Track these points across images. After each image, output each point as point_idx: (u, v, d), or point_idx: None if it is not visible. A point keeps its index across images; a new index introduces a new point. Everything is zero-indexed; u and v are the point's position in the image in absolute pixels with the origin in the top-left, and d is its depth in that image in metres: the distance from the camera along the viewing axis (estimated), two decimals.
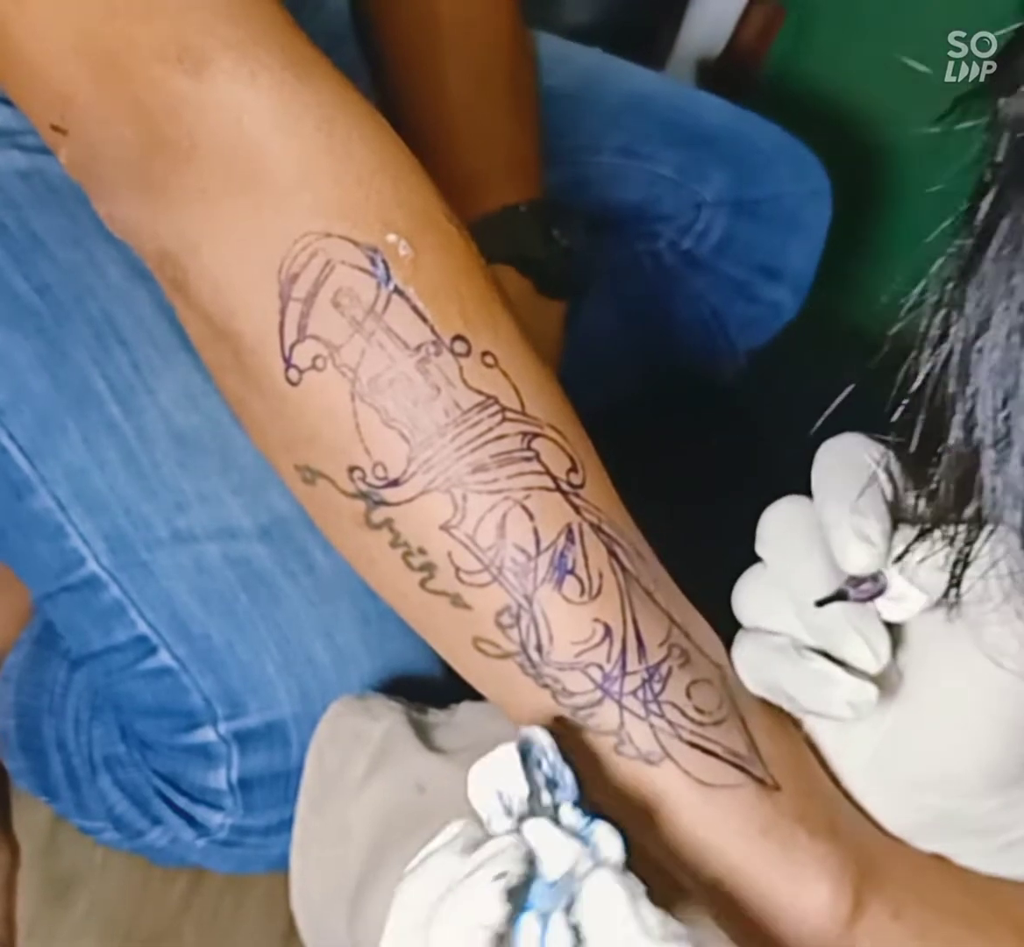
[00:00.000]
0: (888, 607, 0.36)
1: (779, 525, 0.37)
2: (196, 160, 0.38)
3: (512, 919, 0.28)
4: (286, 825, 0.58)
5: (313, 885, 0.51)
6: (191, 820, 0.60)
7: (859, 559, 0.34)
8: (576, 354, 0.75)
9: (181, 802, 0.61)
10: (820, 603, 0.36)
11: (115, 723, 0.65)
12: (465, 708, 0.51)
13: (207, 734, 0.58)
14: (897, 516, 0.36)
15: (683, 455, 0.87)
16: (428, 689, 0.56)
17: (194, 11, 0.38)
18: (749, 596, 0.39)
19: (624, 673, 0.37)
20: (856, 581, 0.36)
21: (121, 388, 0.59)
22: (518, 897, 0.28)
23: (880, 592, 0.36)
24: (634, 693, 0.37)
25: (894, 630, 0.37)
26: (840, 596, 0.36)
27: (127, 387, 0.59)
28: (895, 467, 0.36)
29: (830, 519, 0.35)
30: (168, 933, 0.80)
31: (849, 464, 0.36)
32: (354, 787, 0.49)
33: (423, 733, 0.50)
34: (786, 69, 1.24)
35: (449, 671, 0.42)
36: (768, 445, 0.95)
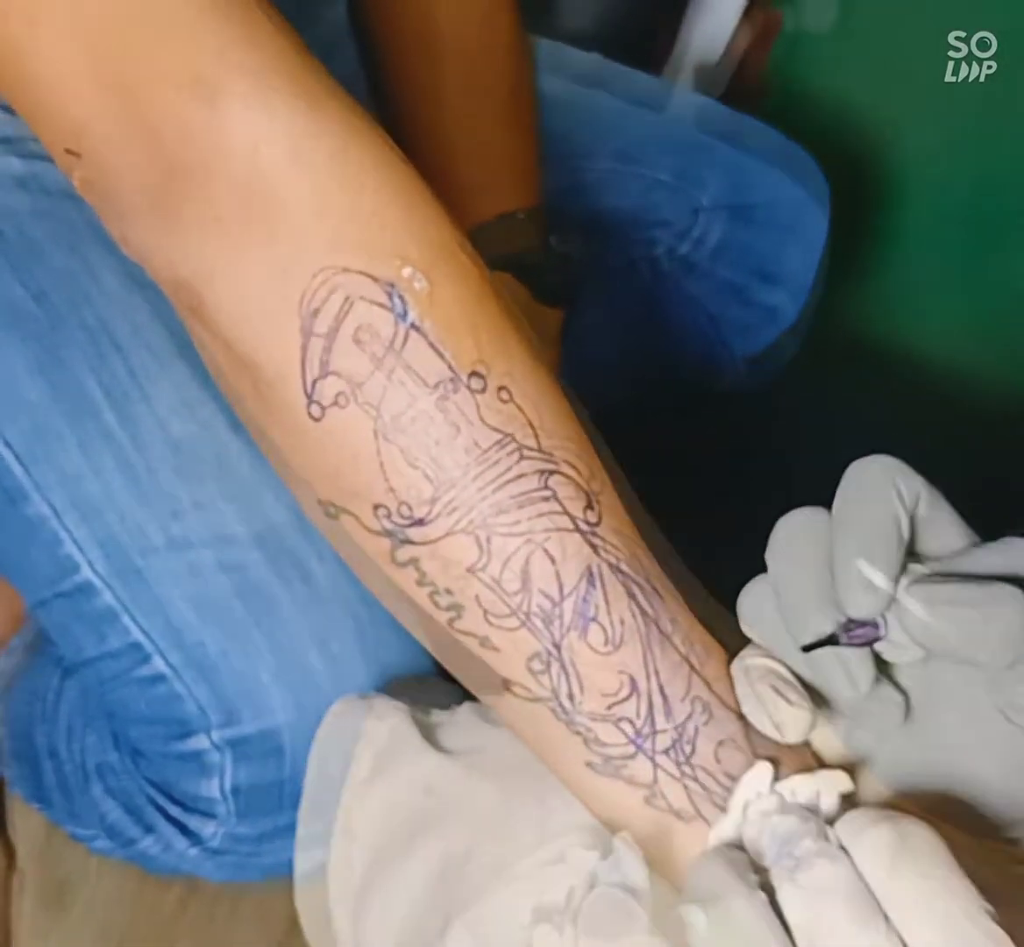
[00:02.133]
0: (887, 649, 0.36)
1: (790, 537, 0.37)
2: (210, 188, 0.38)
3: None
4: (279, 833, 0.58)
5: (316, 886, 0.51)
6: (184, 828, 0.60)
7: (860, 606, 0.35)
8: (574, 360, 0.75)
9: (174, 810, 0.61)
10: (807, 648, 0.36)
11: (108, 731, 0.65)
12: (466, 709, 0.51)
13: (201, 742, 0.58)
14: (910, 560, 0.36)
15: (681, 461, 0.87)
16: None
17: (208, 38, 0.38)
18: (749, 600, 0.39)
19: (654, 731, 0.37)
20: (851, 625, 0.35)
21: (117, 395, 0.59)
22: None
23: (875, 639, 0.36)
24: (666, 752, 0.37)
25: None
26: (831, 641, 0.36)
27: (123, 394, 0.59)
28: (924, 503, 0.36)
29: (841, 554, 0.35)
30: (163, 939, 0.80)
31: (876, 497, 0.36)
32: (358, 788, 0.49)
33: (428, 733, 0.50)
34: (784, 74, 1.25)
35: (443, 678, 0.43)
36: (768, 450, 0.95)
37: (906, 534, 0.35)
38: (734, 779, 0.37)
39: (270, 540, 0.59)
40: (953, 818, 0.38)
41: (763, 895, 0.31)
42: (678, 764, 0.37)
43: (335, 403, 0.37)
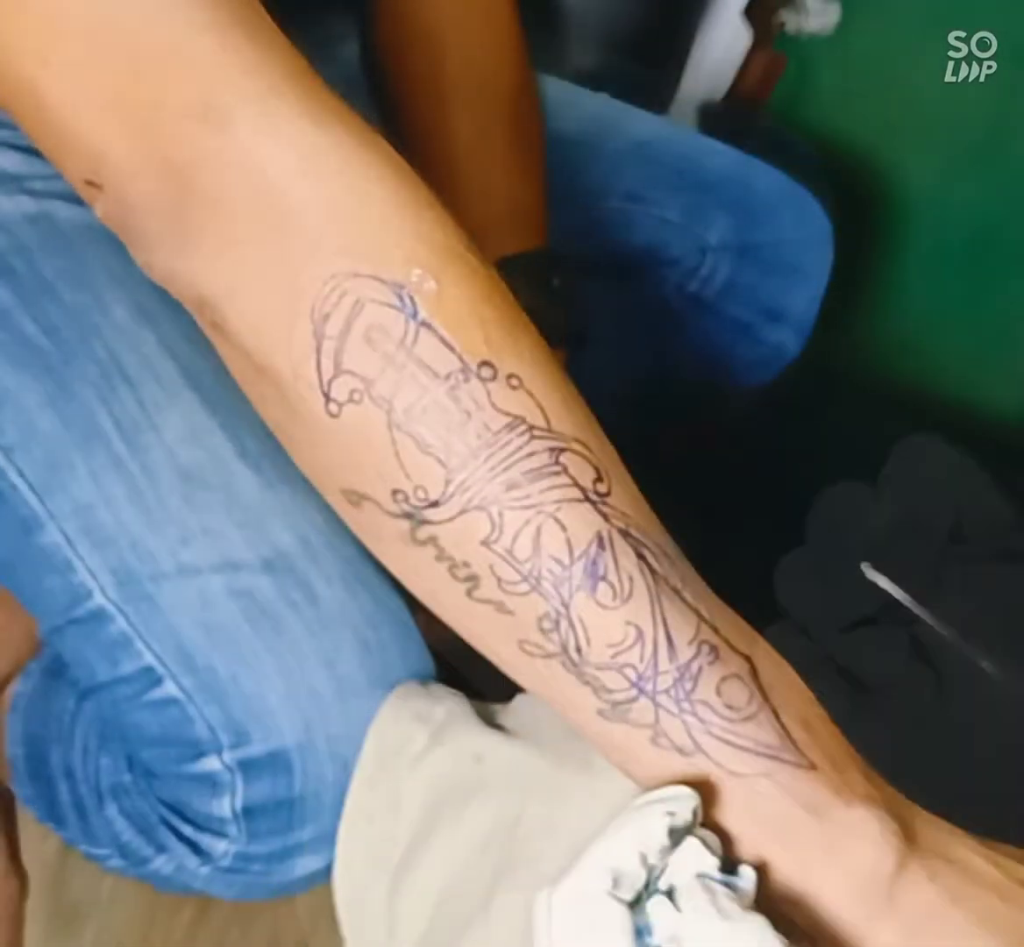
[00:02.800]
0: None
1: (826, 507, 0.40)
2: (224, 210, 0.40)
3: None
4: (289, 852, 0.59)
5: (357, 859, 0.52)
6: (196, 848, 0.61)
7: None
8: (582, 395, 0.76)
9: (186, 830, 0.61)
10: None
11: (122, 753, 0.66)
12: (521, 698, 0.52)
13: (212, 763, 0.59)
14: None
15: (688, 494, 0.88)
16: None
17: (216, 67, 0.40)
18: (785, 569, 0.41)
19: (656, 672, 0.39)
20: None
21: (127, 426, 0.61)
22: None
23: None
24: (667, 691, 0.39)
25: None
26: None
27: (133, 425, 0.61)
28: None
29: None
30: None
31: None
32: (411, 761, 0.50)
33: (483, 714, 0.52)
34: (787, 115, 1.26)
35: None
36: (774, 482, 0.96)
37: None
38: (734, 709, 0.39)
39: (278, 565, 0.60)
40: None
41: None
42: (677, 701, 0.39)
43: (350, 400, 0.39)
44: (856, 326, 1.28)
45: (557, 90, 0.85)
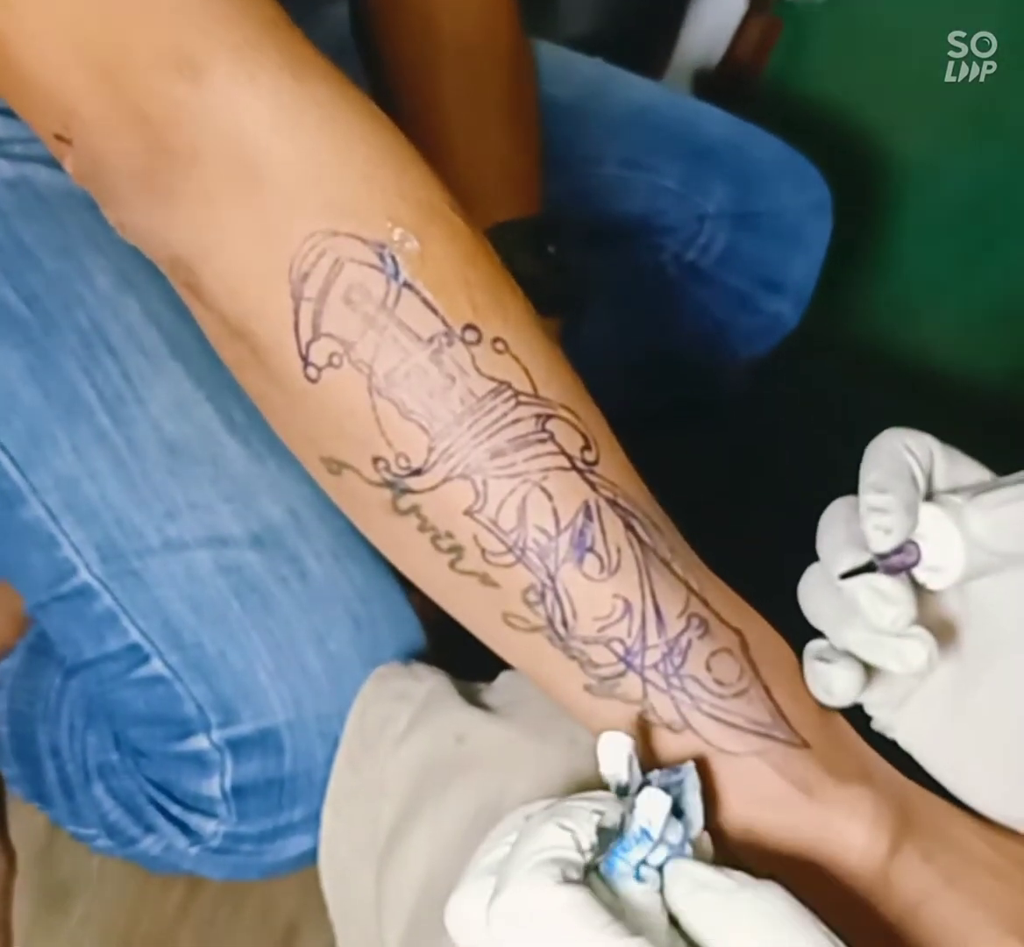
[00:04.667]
0: (929, 577, 0.37)
1: (827, 515, 0.39)
2: (200, 166, 0.38)
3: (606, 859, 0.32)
4: (280, 832, 0.59)
5: (342, 842, 0.52)
6: (184, 828, 0.60)
7: (876, 533, 0.36)
8: (578, 367, 0.75)
9: (174, 810, 0.61)
10: (843, 576, 0.37)
11: (109, 731, 0.65)
12: (505, 676, 0.51)
13: (200, 742, 0.58)
14: (932, 490, 0.38)
15: (686, 465, 0.87)
16: None
17: (189, 16, 0.38)
18: (802, 583, 0.40)
19: (645, 647, 0.38)
20: (882, 555, 0.37)
21: (111, 398, 0.59)
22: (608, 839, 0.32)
23: (910, 565, 0.37)
24: (655, 666, 0.38)
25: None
26: (868, 568, 0.37)
27: (117, 396, 0.59)
28: (940, 455, 0.38)
29: (860, 499, 0.37)
30: (165, 940, 0.80)
31: (886, 452, 0.38)
32: (394, 742, 0.50)
33: (466, 693, 0.51)
34: (783, 80, 1.25)
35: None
36: (772, 454, 0.96)
37: (920, 472, 0.37)
38: (724, 685, 0.38)
39: (267, 540, 0.59)
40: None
41: None
42: (666, 676, 0.38)
43: (329, 363, 0.38)
44: (852, 294, 1.27)
45: (551, 55, 0.84)
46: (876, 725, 0.41)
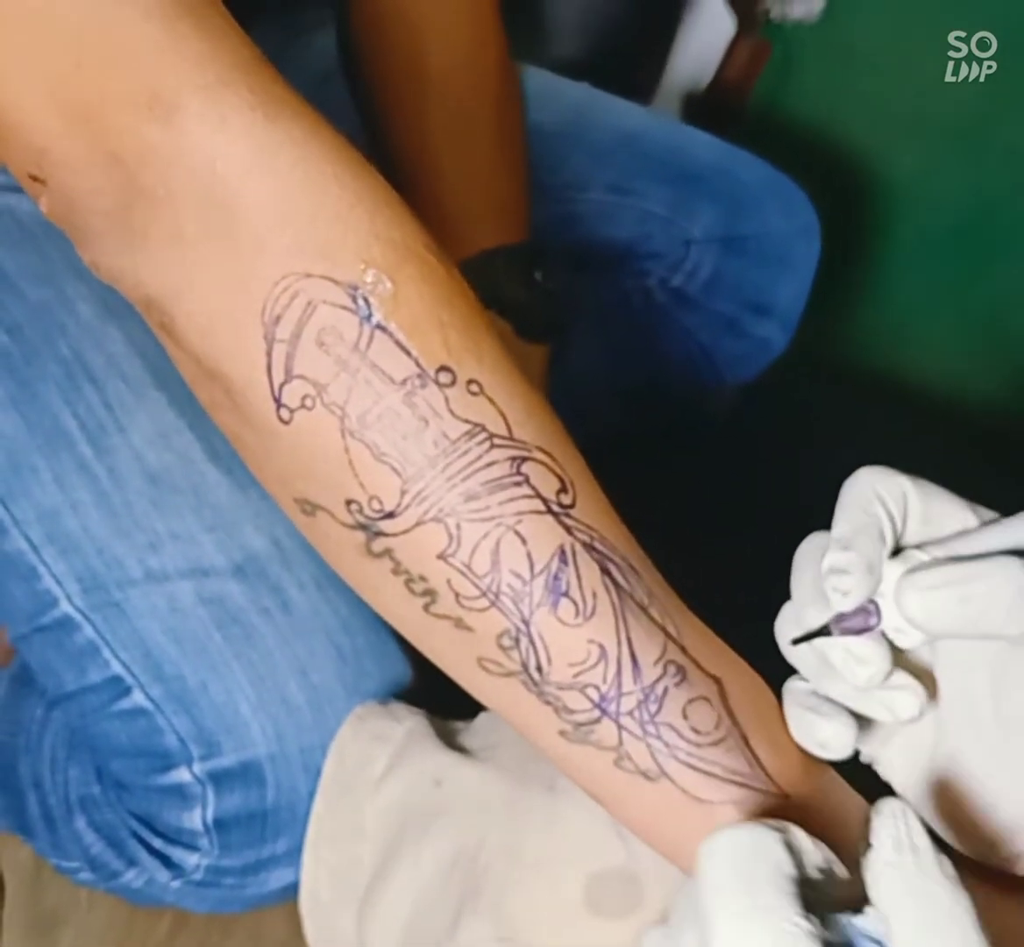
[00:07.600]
0: (895, 635, 0.36)
1: (799, 556, 0.39)
2: (172, 207, 0.38)
3: None
4: (263, 865, 0.58)
5: (323, 886, 0.51)
6: (167, 861, 0.60)
7: (836, 594, 0.35)
8: (564, 392, 0.75)
9: (156, 843, 0.60)
10: (795, 641, 0.36)
11: (91, 763, 0.65)
12: (484, 717, 0.51)
13: (182, 774, 0.58)
14: (901, 545, 0.37)
15: (672, 490, 0.87)
16: None
17: (162, 56, 0.38)
18: (778, 623, 0.40)
19: (620, 693, 0.38)
20: (840, 617, 0.36)
21: (92, 428, 0.59)
22: None
23: (867, 629, 0.36)
24: (631, 713, 0.38)
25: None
26: (821, 632, 0.36)
27: (98, 426, 0.59)
28: (914, 496, 0.37)
29: (824, 559, 0.36)
30: None
31: (854, 501, 0.37)
32: (372, 785, 0.49)
33: (445, 736, 0.50)
34: (772, 104, 1.25)
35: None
36: (757, 479, 0.96)
37: (888, 525, 0.36)
38: (700, 734, 0.38)
39: (249, 570, 0.58)
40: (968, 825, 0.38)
41: None
42: (642, 723, 0.38)
43: (302, 405, 0.38)
44: (842, 317, 1.27)
45: (538, 80, 0.84)
46: (862, 757, 0.41)
